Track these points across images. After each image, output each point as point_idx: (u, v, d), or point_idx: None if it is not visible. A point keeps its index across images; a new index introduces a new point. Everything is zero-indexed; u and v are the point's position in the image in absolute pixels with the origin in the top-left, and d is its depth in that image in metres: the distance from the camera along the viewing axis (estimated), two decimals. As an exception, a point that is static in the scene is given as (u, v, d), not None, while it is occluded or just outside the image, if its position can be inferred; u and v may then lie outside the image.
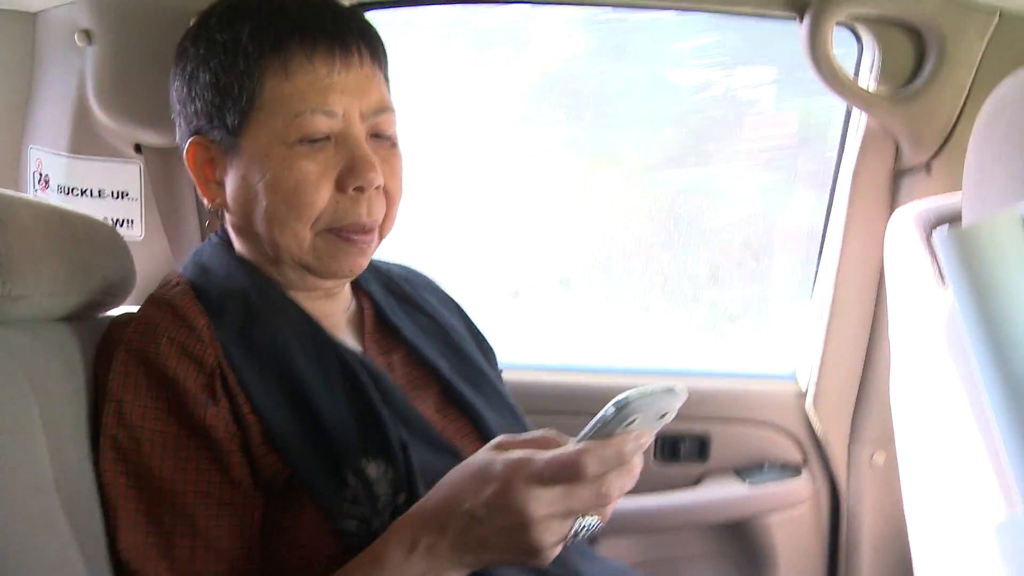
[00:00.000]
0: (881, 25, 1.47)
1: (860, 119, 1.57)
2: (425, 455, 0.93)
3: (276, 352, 0.94)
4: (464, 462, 0.82)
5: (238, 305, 0.97)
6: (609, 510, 0.80)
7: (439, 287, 1.24)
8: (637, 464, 0.79)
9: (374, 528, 0.85)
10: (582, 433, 0.77)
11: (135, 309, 1.01)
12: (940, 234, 0.87)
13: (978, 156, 1.04)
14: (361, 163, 0.95)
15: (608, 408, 0.74)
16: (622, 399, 0.74)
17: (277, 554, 0.89)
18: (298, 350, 0.95)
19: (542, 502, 0.75)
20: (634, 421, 0.76)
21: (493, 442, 0.83)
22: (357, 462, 0.88)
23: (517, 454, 0.77)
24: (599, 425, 0.76)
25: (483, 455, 0.81)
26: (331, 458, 0.89)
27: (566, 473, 0.74)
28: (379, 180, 0.96)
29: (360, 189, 0.96)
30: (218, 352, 0.91)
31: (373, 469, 0.89)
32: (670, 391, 0.76)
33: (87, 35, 1.27)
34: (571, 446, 0.77)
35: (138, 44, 1.27)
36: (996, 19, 1.43)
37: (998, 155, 1.00)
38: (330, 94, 0.94)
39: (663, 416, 0.79)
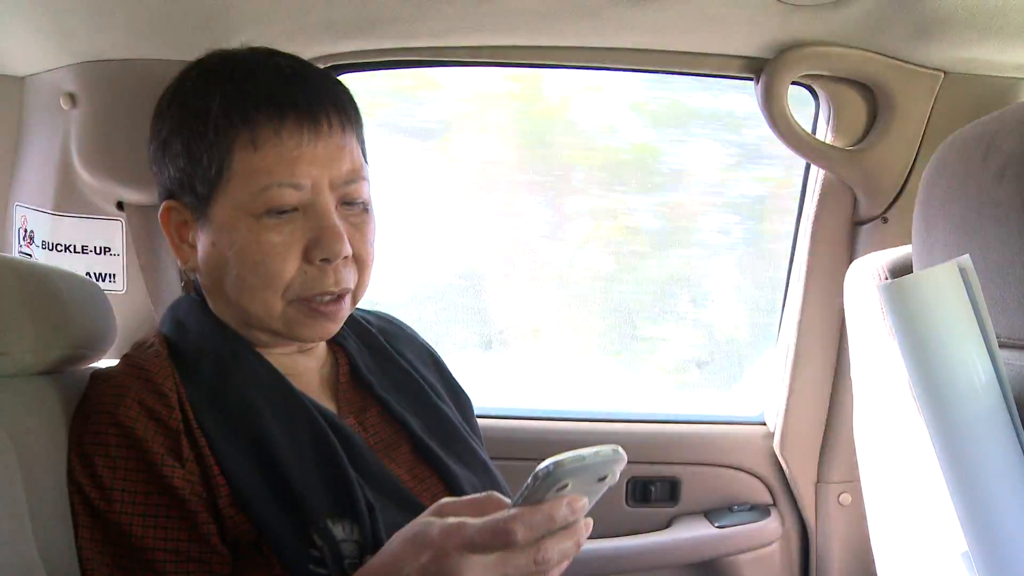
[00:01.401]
0: (834, 85, 1.53)
1: (819, 173, 1.62)
2: (395, 516, 0.91)
3: (246, 412, 0.94)
4: (405, 527, 0.81)
5: (210, 364, 0.97)
6: (555, 573, 0.79)
7: (416, 338, 1.24)
8: (581, 528, 0.76)
9: None
10: (514, 498, 0.76)
11: (116, 361, 1.03)
12: (884, 285, 0.91)
13: (924, 211, 1.09)
14: (328, 234, 0.95)
15: (536, 473, 0.72)
16: (551, 463, 0.71)
17: None
18: (268, 410, 0.95)
19: (476, 569, 0.74)
20: (566, 486, 0.73)
21: (434, 506, 0.82)
22: (323, 523, 0.88)
23: (452, 520, 0.76)
24: (528, 491, 0.73)
25: (422, 520, 0.80)
26: (298, 518, 0.88)
27: (495, 540, 0.73)
28: (346, 251, 0.96)
29: (327, 260, 0.96)
30: (186, 414, 0.92)
31: (339, 530, 0.88)
32: (603, 455, 0.73)
33: (72, 98, 1.31)
34: (504, 512, 0.74)
35: (120, 107, 1.31)
36: (941, 79, 1.49)
37: (940, 210, 1.05)
38: (297, 166, 0.94)
39: (603, 479, 0.76)
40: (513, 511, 0.73)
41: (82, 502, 0.89)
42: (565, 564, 0.78)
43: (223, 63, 1.00)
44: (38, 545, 0.83)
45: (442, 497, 0.93)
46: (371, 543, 0.88)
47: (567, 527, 0.74)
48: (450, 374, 1.22)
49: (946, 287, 0.90)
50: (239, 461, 0.90)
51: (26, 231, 1.38)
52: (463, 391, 1.21)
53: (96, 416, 0.91)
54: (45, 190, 1.37)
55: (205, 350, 0.98)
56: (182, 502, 0.88)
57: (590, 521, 0.77)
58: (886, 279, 1.19)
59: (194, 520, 0.88)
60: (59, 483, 0.91)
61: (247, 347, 1.01)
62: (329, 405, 1.04)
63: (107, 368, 0.99)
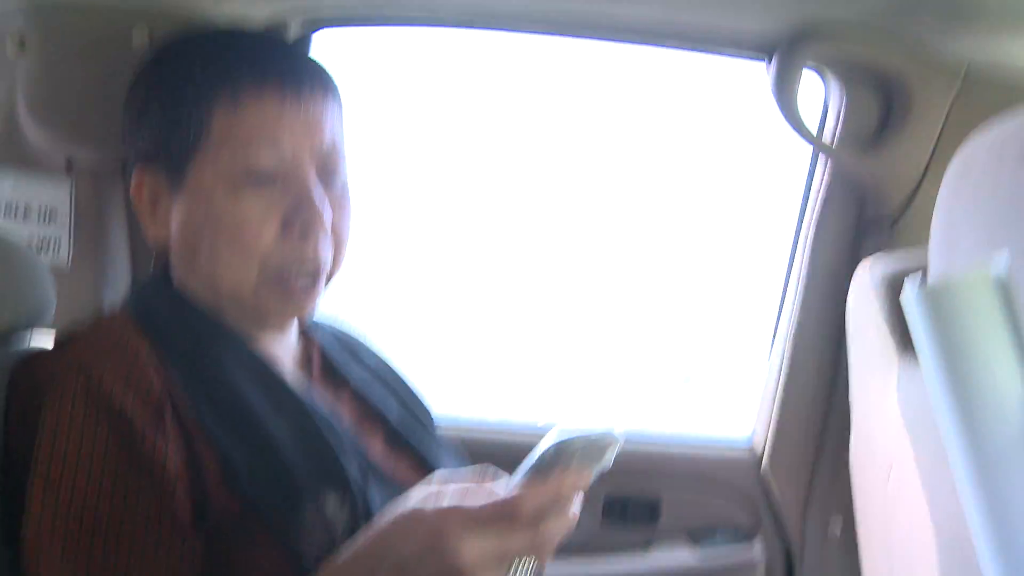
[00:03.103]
0: (850, 73, 1.47)
1: (825, 167, 1.55)
2: (379, 493, 0.92)
3: (228, 387, 0.92)
4: (395, 507, 0.79)
5: (184, 340, 0.95)
6: (547, 552, 0.78)
7: (374, 347, 1.23)
8: (574, 507, 0.78)
9: None
10: (516, 476, 0.76)
11: (51, 337, 0.97)
12: (909, 292, 0.83)
13: (946, 213, 1.02)
14: (307, 205, 0.94)
15: (545, 449, 0.74)
16: (559, 440, 0.74)
17: None
18: (248, 386, 0.93)
19: (475, 548, 0.73)
20: (569, 465, 0.75)
21: (427, 479, 0.82)
22: (313, 496, 0.88)
23: (449, 496, 0.76)
24: (535, 467, 0.75)
25: (415, 498, 0.78)
26: (288, 492, 0.87)
27: (501, 517, 0.73)
28: (325, 223, 0.95)
29: (305, 230, 0.95)
30: (168, 384, 0.89)
31: (330, 504, 0.88)
32: (609, 434, 0.76)
33: (21, 42, 1.22)
34: (506, 488, 0.76)
35: (74, 54, 1.22)
36: (964, 71, 1.43)
37: (967, 212, 0.98)
38: (278, 130, 0.94)
39: (602, 459, 0.78)
40: (519, 486, 0.75)
41: (40, 481, 0.82)
42: (557, 542, 0.78)
43: (204, 33, 1.04)
44: None
45: (419, 479, 0.91)
46: (362, 516, 0.88)
47: (562, 506, 0.76)
48: (409, 384, 1.21)
49: (978, 292, 0.83)
50: (225, 435, 0.89)
51: (-38, 188, 1.28)
52: (422, 399, 1.20)
53: (62, 383, 0.85)
54: (-13, 144, 1.28)
55: (177, 324, 0.96)
56: (157, 477, 0.84)
57: (579, 502, 0.79)
58: (894, 286, 1.13)
59: (169, 496, 0.84)
60: None
61: (220, 326, 0.99)
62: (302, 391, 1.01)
63: (67, 336, 0.94)
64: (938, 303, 0.84)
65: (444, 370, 1.90)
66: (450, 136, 1.86)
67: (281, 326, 1.04)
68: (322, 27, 1.42)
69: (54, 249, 1.32)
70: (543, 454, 0.74)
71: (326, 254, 0.97)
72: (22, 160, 1.28)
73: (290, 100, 0.95)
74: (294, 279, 0.96)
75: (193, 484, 0.86)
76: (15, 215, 1.29)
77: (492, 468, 0.83)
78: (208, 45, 1.00)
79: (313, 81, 0.98)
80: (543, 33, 1.50)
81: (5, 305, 0.96)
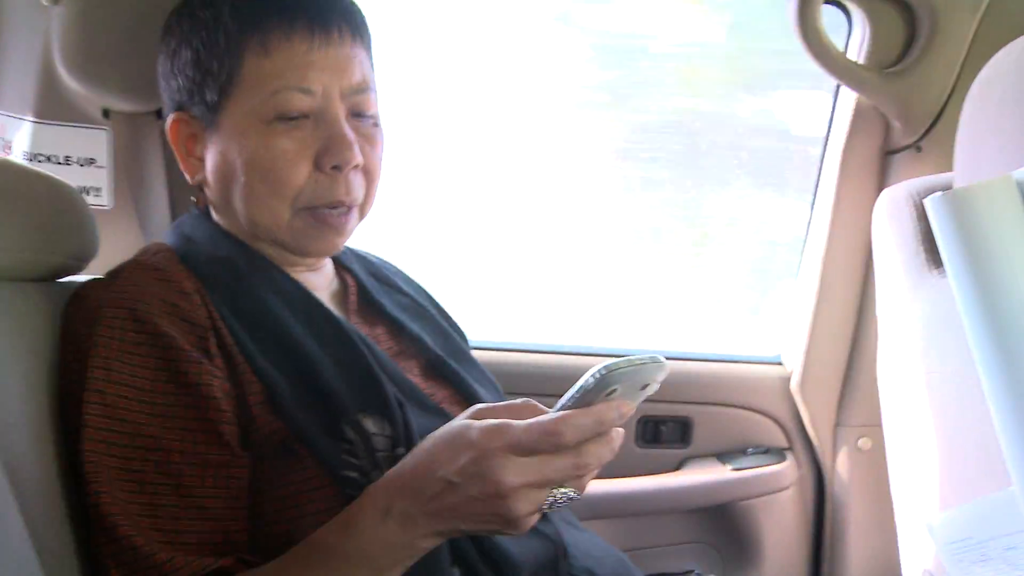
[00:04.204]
0: (871, 1, 1.45)
1: (849, 97, 1.54)
2: (417, 417, 0.93)
3: (268, 315, 0.94)
4: (440, 429, 0.80)
5: (226, 271, 0.97)
6: (587, 480, 0.80)
7: (410, 276, 1.25)
8: (616, 435, 0.77)
9: (373, 480, 0.84)
10: (561, 401, 0.76)
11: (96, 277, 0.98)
12: (932, 199, 0.84)
13: (971, 126, 1.02)
14: (339, 142, 0.95)
15: (588, 377, 0.73)
16: (603, 368, 0.72)
17: (267, 511, 0.88)
18: (288, 313, 0.96)
19: (518, 471, 0.74)
20: (614, 391, 0.75)
21: (470, 410, 0.82)
22: (355, 417, 0.89)
23: (494, 422, 0.76)
24: (579, 394, 0.74)
25: (459, 422, 0.79)
26: (329, 414, 0.89)
27: (544, 441, 0.73)
28: (357, 159, 0.97)
29: (338, 168, 0.96)
30: (211, 312, 0.92)
31: (371, 424, 0.89)
32: (654, 362, 0.75)
33: (54, -6, 1.22)
34: (550, 414, 0.75)
35: (108, 5, 1.23)
36: None
37: (992, 125, 0.98)
38: (308, 71, 0.95)
39: (645, 387, 0.78)
40: (562, 412, 0.74)
41: (96, 401, 0.85)
42: (595, 472, 0.79)
43: None
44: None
45: (460, 405, 0.96)
46: (403, 437, 0.90)
47: (604, 433, 0.76)
48: (444, 309, 1.23)
49: (1002, 200, 0.83)
50: (268, 360, 0.91)
51: (3, 140, 1.30)
52: (458, 325, 1.22)
53: (109, 312, 0.89)
54: (25, 96, 1.28)
55: (219, 258, 0.98)
56: (205, 401, 0.86)
57: (621, 431, 0.78)
58: (921, 203, 1.13)
59: (216, 420, 0.87)
60: (28, 389, 0.88)
61: (261, 257, 1.01)
62: (341, 318, 1.03)
63: (115, 270, 0.97)
64: (962, 209, 0.84)
65: (481, 298, 1.92)
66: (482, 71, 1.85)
67: (316, 258, 1.06)
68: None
69: (94, 194, 1.34)
70: (587, 380, 0.74)
71: (358, 190, 0.99)
72: (60, 109, 1.29)
73: (319, 41, 0.95)
74: (327, 215, 0.98)
75: (238, 407, 0.89)
76: (56, 163, 1.31)
77: (533, 401, 0.83)
78: None
79: (341, 19, 0.98)
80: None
81: (56, 242, 0.98)
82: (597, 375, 0.73)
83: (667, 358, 0.76)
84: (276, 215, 0.97)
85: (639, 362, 0.74)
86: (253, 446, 0.89)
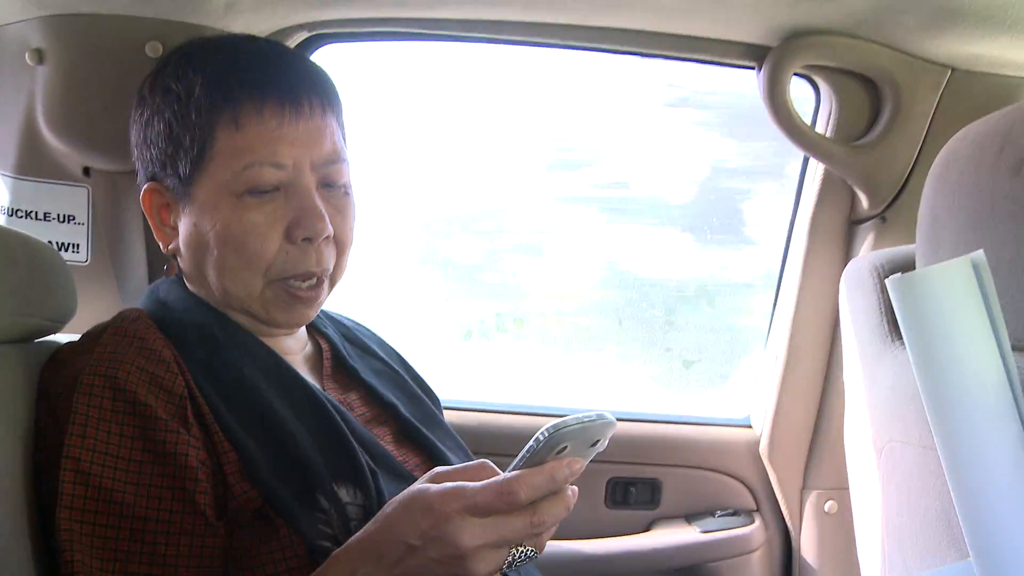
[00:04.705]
0: (838, 77, 1.50)
1: (816, 168, 1.58)
2: (390, 484, 0.94)
3: (243, 384, 0.95)
4: (401, 493, 0.82)
5: (201, 339, 0.97)
6: (545, 539, 0.81)
7: (383, 340, 1.26)
8: (571, 494, 0.80)
9: None
10: (514, 462, 0.78)
11: (76, 337, 0.99)
12: (893, 279, 0.87)
13: (931, 206, 1.05)
14: (309, 214, 0.97)
15: (538, 436, 0.75)
16: (551, 427, 0.75)
17: None
18: (263, 381, 0.96)
19: (475, 532, 0.75)
20: (565, 448, 0.77)
21: (428, 474, 0.84)
22: (329, 486, 0.90)
23: (450, 485, 0.78)
24: (529, 453, 0.76)
25: (417, 486, 0.81)
26: (304, 483, 0.90)
27: (499, 501, 0.75)
28: (328, 231, 0.98)
29: (309, 240, 0.97)
30: (188, 381, 0.92)
31: (344, 493, 0.90)
32: (601, 419, 0.77)
33: (38, 54, 1.24)
34: (504, 475, 0.77)
35: (90, 66, 1.24)
36: (949, 74, 1.46)
37: (950, 205, 1.01)
38: (279, 146, 0.96)
39: (595, 444, 0.80)
40: (516, 472, 0.76)
41: (71, 468, 0.85)
42: (553, 530, 0.81)
43: (204, 48, 1.03)
44: None
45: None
46: (375, 505, 0.90)
47: (558, 492, 0.78)
48: (417, 373, 1.24)
49: (958, 283, 0.86)
50: (243, 429, 0.91)
51: (-16, 195, 1.31)
52: (431, 389, 1.23)
53: (87, 379, 0.89)
54: (7, 152, 1.30)
55: (193, 325, 0.99)
56: (180, 470, 0.86)
57: (575, 488, 0.80)
58: (885, 279, 1.15)
59: (191, 490, 0.87)
60: (7, 455, 0.87)
61: (235, 324, 1.02)
62: (315, 384, 1.04)
63: (93, 334, 0.97)
64: (921, 290, 0.87)
65: (448, 359, 1.92)
66: (443, 138, 1.88)
67: (288, 328, 1.06)
68: (326, 43, 1.45)
69: (73, 251, 1.34)
70: (537, 440, 0.75)
71: (329, 260, 1.00)
72: (41, 166, 1.30)
73: (289, 115, 0.96)
74: (297, 288, 0.99)
75: (214, 476, 0.89)
76: (36, 219, 1.32)
77: (490, 463, 0.84)
78: (208, 62, 0.99)
79: (312, 92, 0.99)
80: (537, 45, 1.52)
81: (33, 304, 0.98)
82: (546, 434, 0.75)
83: (637, 420, 0.77)
84: (248, 286, 0.98)
85: (587, 420, 0.76)
86: (228, 515, 0.89)
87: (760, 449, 1.70)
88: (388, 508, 0.81)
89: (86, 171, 1.31)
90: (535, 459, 0.76)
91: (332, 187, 1.01)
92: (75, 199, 1.33)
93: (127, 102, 1.09)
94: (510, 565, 0.79)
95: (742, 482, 1.72)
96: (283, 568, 0.87)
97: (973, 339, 0.85)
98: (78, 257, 1.34)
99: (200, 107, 0.96)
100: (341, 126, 1.05)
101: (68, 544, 0.82)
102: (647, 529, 1.69)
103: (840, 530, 1.65)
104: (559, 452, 0.77)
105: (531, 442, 0.76)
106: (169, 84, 0.99)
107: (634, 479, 1.68)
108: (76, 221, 1.33)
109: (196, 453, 0.88)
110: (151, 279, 1.35)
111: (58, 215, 1.33)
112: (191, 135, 0.97)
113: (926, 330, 0.87)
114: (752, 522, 1.70)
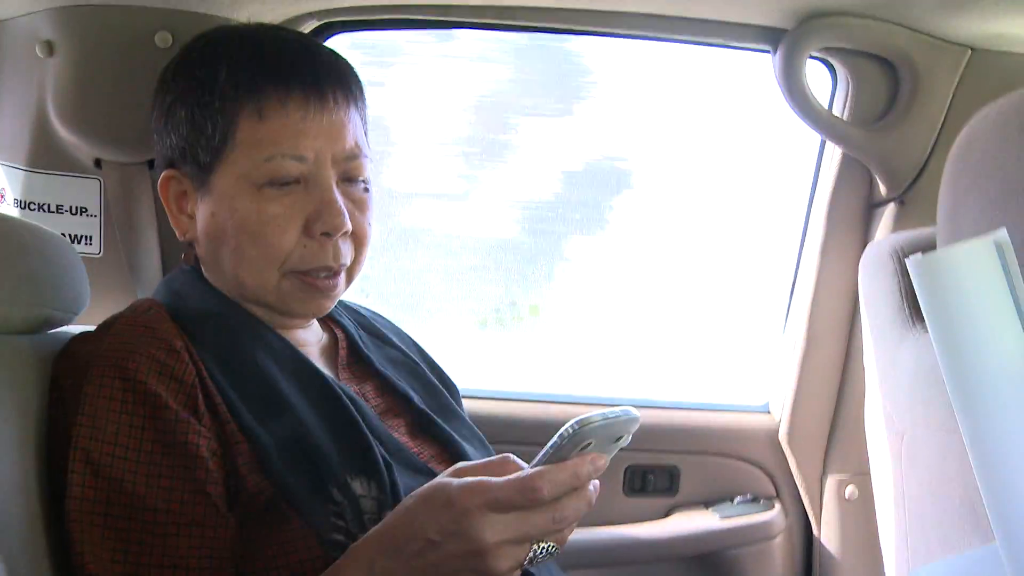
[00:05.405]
0: (855, 58, 1.48)
1: (834, 151, 1.57)
2: (404, 477, 0.93)
3: (257, 373, 0.94)
4: (421, 487, 0.81)
5: (215, 329, 0.97)
6: (566, 535, 0.81)
7: (400, 329, 1.25)
8: (592, 489, 0.79)
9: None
10: (537, 458, 0.77)
11: (90, 328, 0.99)
12: (914, 259, 0.86)
13: (952, 187, 1.04)
14: (329, 208, 0.96)
15: (562, 432, 0.74)
16: (576, 423, 0.74)
17: (252, 571, 0.87)
18: (278, 372, 0.95)
19: (497, 528, 0.74)
20: (588, 445, 0.76)
21: (450, 468, 0.83)
22: (343, 479, 0.89)
23: (472, 479, 0.77)
24: (553, 449, 0.75)
25: (439, 480, 0.80)
26: (317, 475, 0.89)
27: (521, 497, 0.74)
28: (347, 226, 0.97)
29: (327, 234, 0.97)
30: (199, 371, 0.91)
31: (358, 486, 0.89)
32: (626, 415, 0.76)
33: (49, 46, 1.23)
34: (527, 470, 0.77)
35: (101, 57, 1.24)
36: (968, 54, 1.44)
37: (971, 185, 1.00)
38: (302, 139, 0.96)
39: (618, 440, 0.79)
40: (539, 468, 0.75)
41: (80, 459, 0.85)
42: (574, 527, 0.80)
43: (230, 35, 1.03)
44: None
45: (446, 464, 0.96)
46: (390, 499, 0.89)
47: (579, 487, 0.77)
48: (435, 362, 1.23)
49: (981, 262, 0.84)
50: (256, 419, 0.91)
51: (-3, 188, 1.31)
52: (448, 378, 1.22)
53: (97, 370, 0.88)
54: (19, 145, 1.29)
55: (208, 315, 0.98)
56: (191, 460, 0.86)
57: (597, 483, 0.79)
58: (905, 258, 1.14)
59: (202, 480, 0.86)
60: (21, 443, 0.87)
61: (250, 315, 1.01)
62: (330, 375, 1.03)
63: (105, 324, 0.97)
64: (942, 270, 0.86)
65: (470, 346, 1.92)
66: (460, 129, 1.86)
67: (305, 318, 1.06)
68: (336, 32, 1.44)
69: (85, 243, 1.34)
70: (561, 435, 0.74)
71: (346, 256, 1.00)
72: (53, 158, 1.30)
73: (313, 108, 0.96)
74: (315, 278, 0.99)
75: (225, 467, 0.88)
76: (48, 211, 1.32)
77: (512, 456, 0.84)
78: (234, 50, 0.99)
79: (337, 85, 0.99)
80: (550, 31, 1.51)
81: (46, 295, 0.98)
82: (571, 430, 0.74)
83: (655, 407, 0.76)
84: (264, 278, 0.98)
85: (612, 416, 0.75)
86: (239, 506, 0.89)
87: (779, 435, 1.69)
88: (408, 501, 0.80)
89: (97, 163, 1.31)
90: (558, 455, 0.76)
91: (352, 182, 1.01)
92: (87, 191, 1.33)
93: (137, 93, 1.10)
94: (531, 561, 0.78)
95: (761, 468, 1.71)
96: (295, 560, 0.86)
97: (997, 319, 0.84)
98: (91, 249, 1.34)
99: (224, 95, 0.96)
100: (364, 120, 1.05)
101: (79, 535, 0.83)
102: (665, 516, 1.68)
103: (861, 516, 1.64)
104: (583, 448, 0.76)
105: (555, 438, 0.75)
106: (194, 71, 0.99)
107: (652, 466, 1.67)
108: (88, 213, 1.33)
109: (207, 443, 0.88)
110: (165, 270, 1.35)
111: (70, 207, 1.33)
112: (213, 123, 0.96)
113: (948, 311, 0.85)
114: (772, 508, 1.69)
